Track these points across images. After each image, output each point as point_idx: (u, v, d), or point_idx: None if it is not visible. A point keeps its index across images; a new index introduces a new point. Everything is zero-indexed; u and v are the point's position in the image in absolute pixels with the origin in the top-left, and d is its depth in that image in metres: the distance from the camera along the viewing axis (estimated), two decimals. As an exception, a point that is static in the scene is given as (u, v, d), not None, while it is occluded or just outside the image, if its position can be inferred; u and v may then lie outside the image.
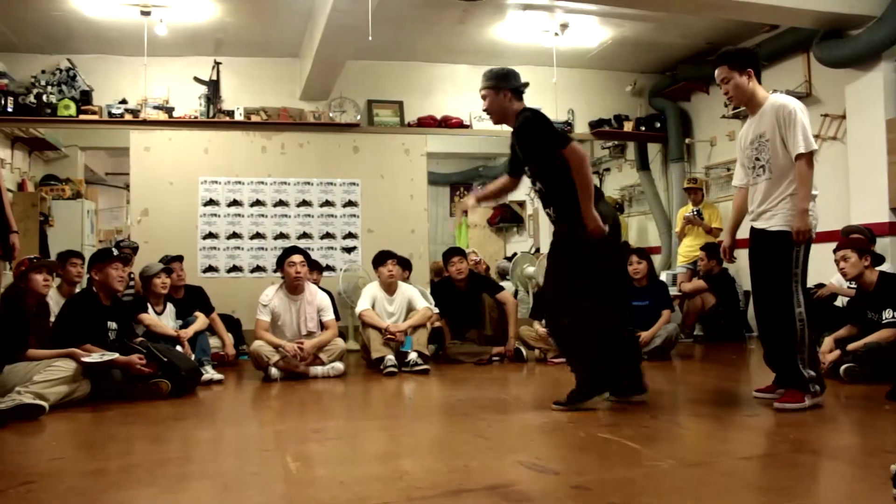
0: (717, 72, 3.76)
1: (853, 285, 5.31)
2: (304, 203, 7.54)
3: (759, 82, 3.75)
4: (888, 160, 5.88)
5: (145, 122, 7.20)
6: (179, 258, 6.10)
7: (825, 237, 5.85)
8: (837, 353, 4.43)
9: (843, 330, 4.67)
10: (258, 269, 7.35)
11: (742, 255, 4.06)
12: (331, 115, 7.64)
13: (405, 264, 6.61)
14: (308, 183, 7.53)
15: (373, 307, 5.75)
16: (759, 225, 3.74)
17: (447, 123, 7.91)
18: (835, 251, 4.77)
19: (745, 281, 7.16)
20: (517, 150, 3.78)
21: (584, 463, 2.72)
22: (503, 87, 3.71)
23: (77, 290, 5.34)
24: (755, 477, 2.53)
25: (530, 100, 8.50)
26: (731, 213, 4.13)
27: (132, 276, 5.87)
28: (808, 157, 3.54)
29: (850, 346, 4.39)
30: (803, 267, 3.62)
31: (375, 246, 6.54)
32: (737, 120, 7.64)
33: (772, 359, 3.84)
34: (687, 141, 8.44)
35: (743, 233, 3.95)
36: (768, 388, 3.88)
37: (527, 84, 3.80)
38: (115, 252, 5.01)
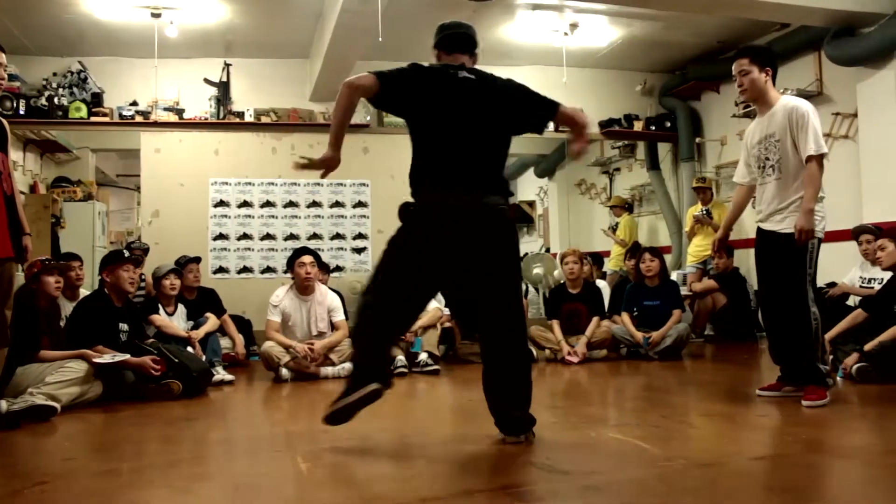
0: (736, 63, 3.78)
1: (868, 285, 5.29)
2: (315, 204, 7.55)
3: (774, 85, 3.79)
4: (901, 158, 5.85)
5: (156, 124, 7.23)
6: (197, 259, 6.12)
7: (836, 236, 5.82)
8: (856, 356, 4.38)
9: (855, 313, 4.70)
10: (268, 269, 7.37)
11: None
12: (340, 115, 7.63)
13: None
14: (318, 184, 7.53)
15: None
16: (768, 226, 3.76)
17: (457, 123, 7.88)
18: (867, 241, 4.77)
19: (755, 280, 7.13)
20: None
21: (595, 463, 2.71)
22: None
23: (80, 292, 5.34)
24: (768, 477, 2.51)
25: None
26: (730, 208, 4.19)
27: (143, 277, 5.89)
28: (819, 160, 3.58)
29: (867, 347, 4.35)
30: (815, 267, 3.66)
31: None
32: (747, 119, 7.59)
33: (781, 356, 3.83)
34: (697, 140, 8.40)
35: (741, 233, 3.97)
36: (772, 387, 3.88)
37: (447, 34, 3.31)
38: (126, 253, 5.02)
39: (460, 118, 2.99)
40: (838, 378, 4.34)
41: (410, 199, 3.06)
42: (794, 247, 3.60)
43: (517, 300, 3.10)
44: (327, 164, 3.12)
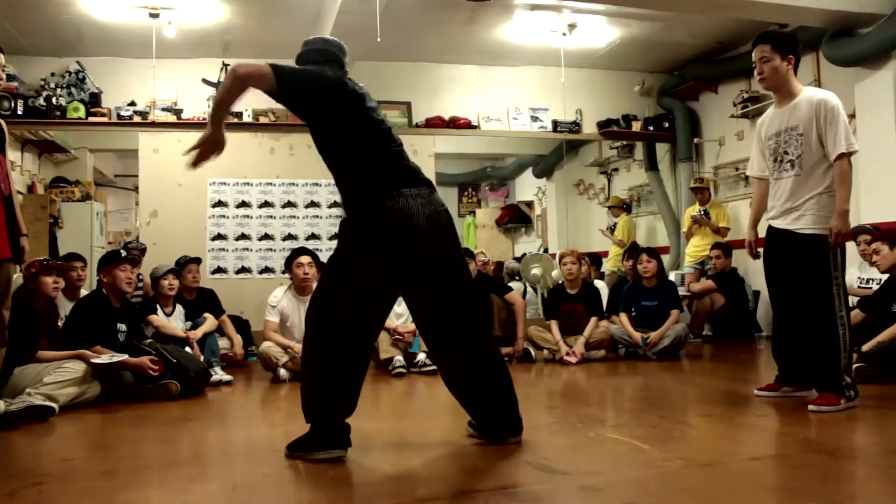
0: (757, 49, 3.61)
1: (866, 285, 5.29)
2: (313, 204, 7.54)
3: (796, 74, 3.63)
4: (899, 159, 5.84)
5: (154, 124, 7.23)
6: (197, 260, 6.12)
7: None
8: (854, 356, 4.37)
9: (853, 313, 4.67)
10: (267, 270, 7.36)
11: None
12: (339, 116, 7.64)
13: None
14: (316, 184, 7.53)
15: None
16: (782, 224, 3.59)
17: (455, 124, 7.90)
18: (867, 243, 4.75)
19: (753, 281, 7.15)
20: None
21: (593, 463, 2.71)
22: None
23: (81, 293, 5.33)
24: (766, 477, 2.51)
25: (538, 100, 8.41)
26: (753, 207, 3.99)
27: (140, 277, 5.88)
28: (849, 157, 3.43)
29: (865, 348, 4.35)
30: (842, 269, 3.51)
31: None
32: (745, 119, 7.61)
33: (782, 355, 3.81)
34: (695, 141, 8.41)
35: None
36: (771, 387, 3.85)
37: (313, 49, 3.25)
38: (123, 253, 5.01)
39: (383, 123, 2.92)
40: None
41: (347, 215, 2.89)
42: (817, 248, 3.45)
43: (477, 301, 3.07)
44: (212, 141, 2.92)
